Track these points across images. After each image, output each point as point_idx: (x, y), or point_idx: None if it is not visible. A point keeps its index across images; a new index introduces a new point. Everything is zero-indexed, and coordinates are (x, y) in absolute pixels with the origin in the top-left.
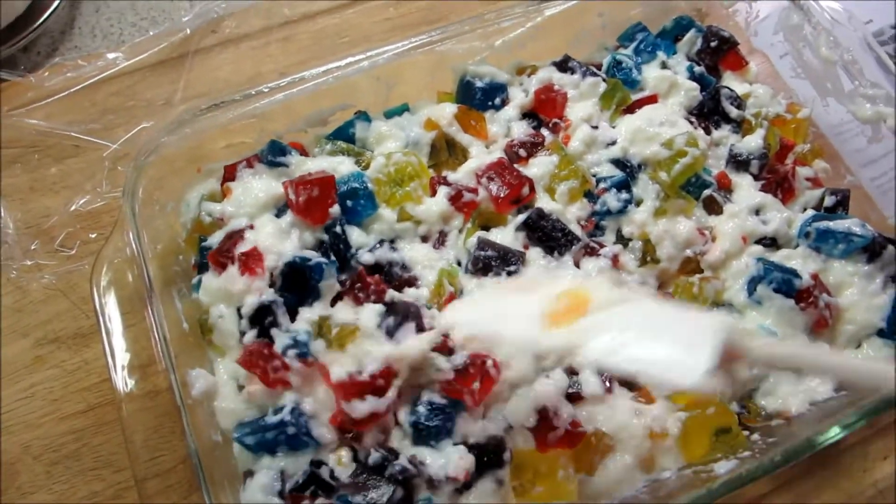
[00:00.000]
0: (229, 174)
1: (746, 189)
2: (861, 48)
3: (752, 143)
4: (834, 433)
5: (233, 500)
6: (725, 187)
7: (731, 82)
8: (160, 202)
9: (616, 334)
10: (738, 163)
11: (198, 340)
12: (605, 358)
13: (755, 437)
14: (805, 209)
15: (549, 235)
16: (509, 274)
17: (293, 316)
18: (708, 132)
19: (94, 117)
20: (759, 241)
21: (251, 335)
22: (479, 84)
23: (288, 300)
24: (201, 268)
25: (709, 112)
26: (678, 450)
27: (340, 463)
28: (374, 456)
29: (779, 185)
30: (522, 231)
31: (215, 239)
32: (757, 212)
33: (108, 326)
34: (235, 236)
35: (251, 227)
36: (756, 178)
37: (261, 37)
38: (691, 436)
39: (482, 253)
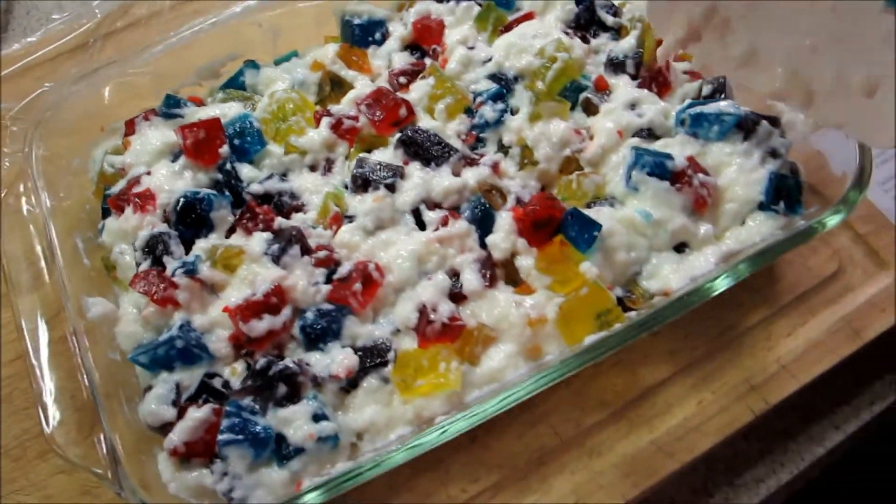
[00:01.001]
0: (129, 129)
1: (623, 88)
2: None
3: (626, 44)
4: (707, 288)
5: (127, 413)
6: (604, 89)
7: None
8: (66, 158)
9: None
10: (614, 65)
11: (103, 279)
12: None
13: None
14: (684, 101)
15: (424, 149)
16: (387, 186)
17: (189, 248)
18: (586, 41)
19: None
20: (636, 135)
21: (146, 265)
22: (356, 21)
23: (184, 234)
24: (104, 213)
25: (585, 23)
26: (559, 334)
27: (235, 373)
28: (261, 361)
29: (654, 80)
30: (400, 148)
31: (117, 187)
32: (633, 106)
33: (15, 282)
34: (132, 181)
35: (148, 173)
36: (633, 77)
37: (169, 13)
38: (569, 319)
39: (360, 170)
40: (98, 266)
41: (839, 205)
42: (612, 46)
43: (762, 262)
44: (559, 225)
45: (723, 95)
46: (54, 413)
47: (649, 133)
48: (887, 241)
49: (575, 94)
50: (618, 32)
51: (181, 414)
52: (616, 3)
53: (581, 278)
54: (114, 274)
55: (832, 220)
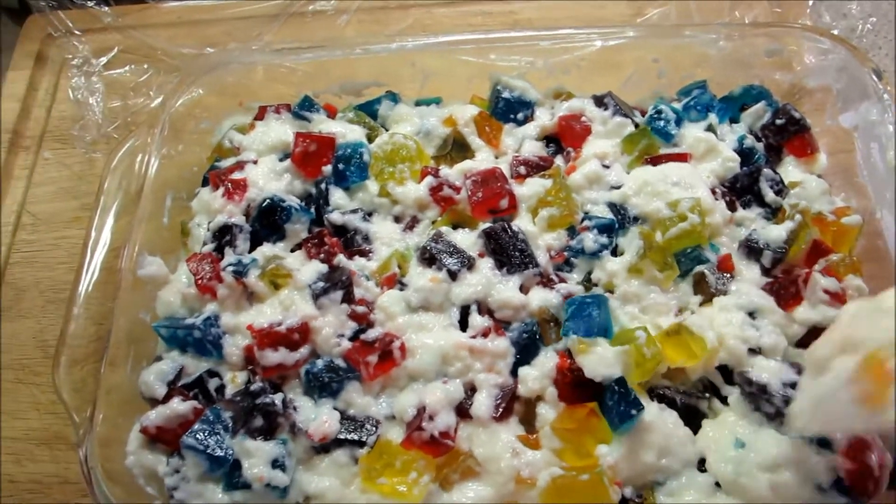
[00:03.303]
0: (260, 114)
1: (748, 283)
2: None
3: (776, 232)
4: None
5: (128, 373)
6: (727, 271)
7: (791, 168)
8: (199, 118)
9: None
10: (750, 249)
11: (175, 240)
12: None
13: None
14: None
15: (505, 250)
16: (449, 272)
17: (255, 247)
18: (733, 207)
19: (198, 47)
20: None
21: (209, 247)
22: (505, 95)
23: (257, 232)
24: (204, 182)
25: (742, 189)
26: None
27: (234, 382)
28: (257, 384)
29: (784, 286)
30: (483, 238)
31: (226, 163)
32: (752, 314)
33: (101, 207)
34: (237, 165)
35: (255, 162)
36: (765, 271)
37: (352, 14)
38: (558, 498)
39: (433, 244)
40: (175, 226)
41: None
42: (759, 227)
43: None
44: (602, 389)
45: None
46: (71, 343)
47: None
48: None
49: (692, 263)
50: (773, 213)
51: (168, 398)
52: (785, 182)
53: (593, 461)
54: (185, 240)
55: None
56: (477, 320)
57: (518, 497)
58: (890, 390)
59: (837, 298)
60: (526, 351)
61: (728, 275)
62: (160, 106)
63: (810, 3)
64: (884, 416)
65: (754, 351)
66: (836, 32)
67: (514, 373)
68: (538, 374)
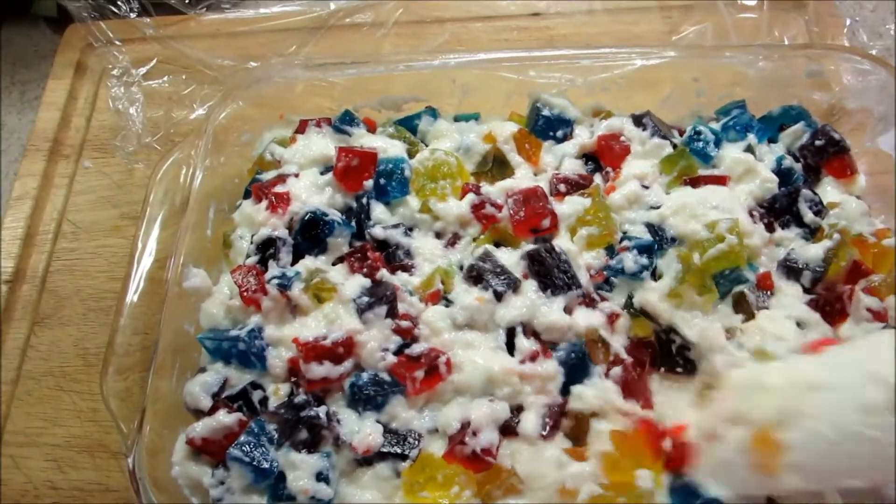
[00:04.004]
0: (301, 127)
1: (791, 298)
2: None
3: (814, 251)
4: None
5: (173, 383)
6: (766, 289)
7: (830, 189)
8: (240, 130)
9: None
10: (788, 268)
11: (217, 251)
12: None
13: None
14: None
15: (549, 272)
16: (495, 293)
17: (297, 259)
18: (771, 229)
19: (238, 60)
20: None
21: (253, 259)
22: (545, 112)
23: (300, 245)
24: (246, 194)
25: (780, 209)
26: None
27: (276, 394)
28: (301, 397)
29: (829, 303)
30: (526, 259)
31: (267, 176)
32: (799, 324)
33: (150, 214)
34: (280, 178)
35: (297, 175)
36: (806, 291)
37: (389, 28)
38: None
39: (480, 263)
40: (217, 238)
41: None
42: (798, 246)
43: None
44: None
45: None
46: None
47: None
48: None
49: (731, 284)
50: (812, 233)
51: (213, 409)
52: (824, 203)
53: (632, 484)
54: (227, 251)
55: None
56: (524, 343)
57: None
58: (780, 460)
59: (880, 318)
60: (575, 370)
61: (769, 293)
62: (204, 118)
63: (847, 22)
64: (778, 483)
65: None
66: (874, 52)
67: (563, 392)
68: (593, 392)
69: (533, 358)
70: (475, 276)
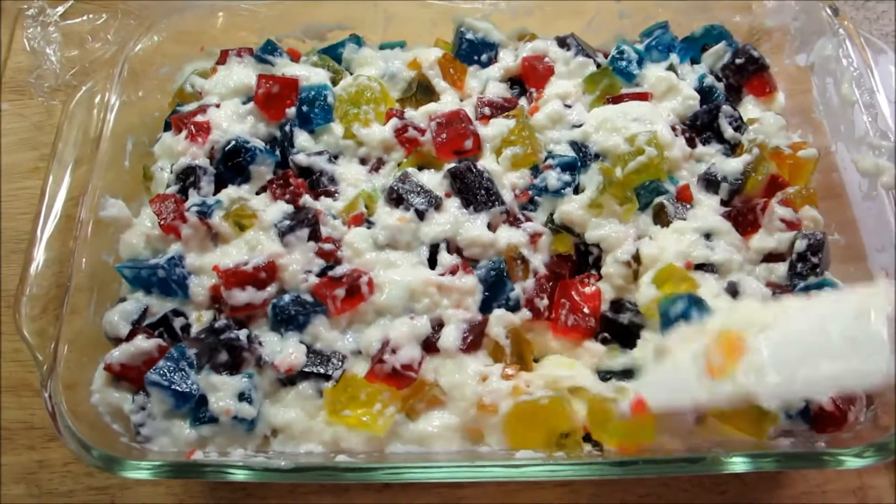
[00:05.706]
0: (222, 58)
1: (707, 209)
2: (887, 94)
3: (733, 165)
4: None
5: (92, 314)
6: (685, 201)
7: (750, 108)
8: (158, 64)
9: (784, 366)
10: (707, 181)
11: (138, 185)
12: (785, 394)
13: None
14: (763, 250)
15: (470, 188)
16: (417, 212)
17: (219, 190)
18: (692, 145)
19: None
20: (700, 266)
21: (173, 188)
22: (469, 36)
23: (222, 175)
24: (166, 126)
25: (702, 126)
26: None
27: (199, 320)
28: (221, 321)
29: (742, 214)
30: (448, 179)
31: (188, 108)
32: (708, 235)
33: (59, 154)
34: (200, 108)
35: (218, 105)
36: (724, 203)
37: None
38: (517, 421)
39: (400, 184)
40: (137, 171)
41: (869, 447)
42: (718, 161)
43: (758, 467)
44: None
45: (819, 255)
46: (32, 285)
47: (712, 269)
48: None
49: (651, 195)
50: (732, 149)
51: (131, 336)
52: (744, 119)
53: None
54: (148, 184)
55: (852, 462)
56: (446, 258)
57: (483, 424)
58: (737, 363)
59: (793, 226)
60: (494, 287)
61: (687, 204)
62: (118, 50)
63: None
64: (724, 387)
65: (707, 270)
66: None
67: (482, 309)
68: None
69: (453, 272)
70: (396, 198)
